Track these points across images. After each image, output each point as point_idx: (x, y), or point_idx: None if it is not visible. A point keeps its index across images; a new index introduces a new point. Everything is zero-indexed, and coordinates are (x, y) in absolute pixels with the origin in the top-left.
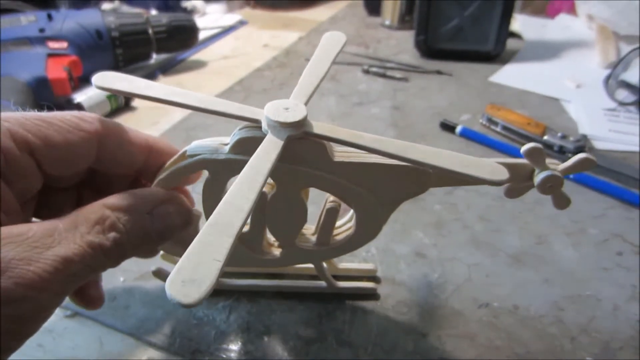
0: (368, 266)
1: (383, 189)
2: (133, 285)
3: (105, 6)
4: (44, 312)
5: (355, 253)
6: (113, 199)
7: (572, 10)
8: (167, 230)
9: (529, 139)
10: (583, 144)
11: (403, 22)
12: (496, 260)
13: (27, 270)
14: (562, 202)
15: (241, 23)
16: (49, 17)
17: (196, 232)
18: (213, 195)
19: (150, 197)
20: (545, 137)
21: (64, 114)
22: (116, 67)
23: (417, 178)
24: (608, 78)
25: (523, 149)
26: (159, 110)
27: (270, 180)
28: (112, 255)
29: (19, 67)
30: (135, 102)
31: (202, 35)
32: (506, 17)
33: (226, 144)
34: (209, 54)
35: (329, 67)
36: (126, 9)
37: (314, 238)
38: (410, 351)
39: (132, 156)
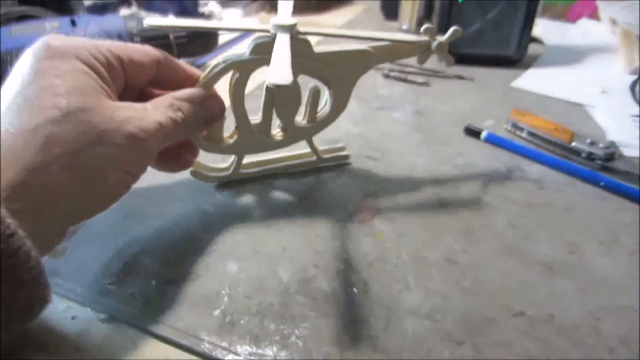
0: (339, 144)
1: (347, 68)
2: (166, 288)
3: (124, 12)
4: (150, 156)
5: (386, 257)
6: (178, 93)
7: (593, 14)
8: (211, 116)
9: (556, 145)
10: (612, 150)
11: (421, 26)
12: (528, 268)
13: (143, 123)
14: (449, 60)
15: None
16: (73, 23)
17: (221, 128)
18: (240, 89)
19: (200, 93)
20: (574, 144)
21: (136, 45)
22: None
23: (365, 57)
24: (634, 84)
25: (422, 28)
26: None
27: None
28: (180, 128)
29: None
30: None
31: (220, 40)
32: (528, 21)
33: (244, 53)
34: None
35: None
36: (144, 14)
37: (304, 120)
38: (446, 359)
39: (178, 77)
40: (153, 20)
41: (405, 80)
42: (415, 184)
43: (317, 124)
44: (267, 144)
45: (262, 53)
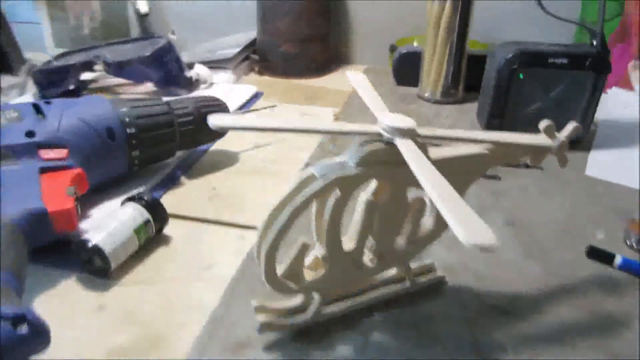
0: (428, 262)
1: (459, 175)
2: None
3: (85, 76)
4: None
5: None
6: None
7: (622, 82)
8: None
9: None
10: None
11: (449, 94)
12: None
13: None
14: (563, 160)
15: (256, 96)
16: (37, 110)
17: (302, 261)
18: (339, 212)
19: None
20: None
21: None
22: (129, 171)
23: (481, 161)
24: None
25: (541, 125)
26: (194, 239)
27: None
28: None
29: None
30: (168, 231)
31: None
32: (595, 98)
33: (344, 162)
34: (236, 140)
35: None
36: (116, 81)
37: (403, 240)
38: None
39: None
40: (217, 119)
41: None
42: (560, 346)
43: (418, 245)
44: (356, 274)
45: (373, 164)
